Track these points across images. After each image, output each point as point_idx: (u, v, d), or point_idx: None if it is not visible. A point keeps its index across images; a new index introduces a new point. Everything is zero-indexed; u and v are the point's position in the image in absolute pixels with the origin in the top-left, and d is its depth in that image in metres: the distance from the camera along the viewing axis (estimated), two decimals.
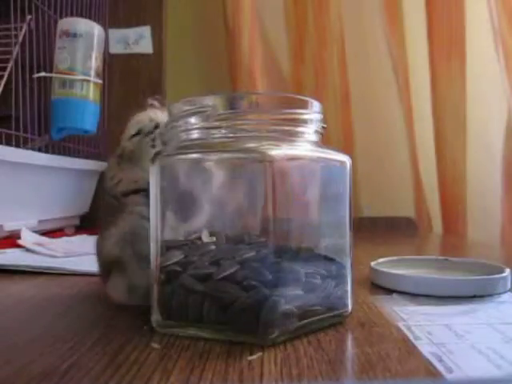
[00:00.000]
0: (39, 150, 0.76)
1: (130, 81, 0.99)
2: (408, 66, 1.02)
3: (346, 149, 0.99)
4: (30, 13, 0.75)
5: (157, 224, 0.30)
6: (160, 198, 0.30)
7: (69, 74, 0.76)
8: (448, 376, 0.22)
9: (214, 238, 0.32)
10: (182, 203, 0.32)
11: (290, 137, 0.30)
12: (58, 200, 0.82)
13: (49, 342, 0.28)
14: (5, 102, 0.70)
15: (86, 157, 0.90)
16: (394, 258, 0.47)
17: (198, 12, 1.07)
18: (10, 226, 0.67)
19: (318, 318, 0.29)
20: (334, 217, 0.32)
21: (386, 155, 1.03)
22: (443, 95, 1.00)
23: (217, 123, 0.29)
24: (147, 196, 0.31)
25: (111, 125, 0.97)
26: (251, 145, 0.28)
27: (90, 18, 0.86)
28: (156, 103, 0.40)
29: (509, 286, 0.40)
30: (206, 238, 0.32)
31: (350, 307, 0.32)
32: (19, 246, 0.64)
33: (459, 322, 0.31)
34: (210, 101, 0.29)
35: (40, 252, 0.60)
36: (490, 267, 0.43)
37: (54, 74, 0.77)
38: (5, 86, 0.68)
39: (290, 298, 0.28)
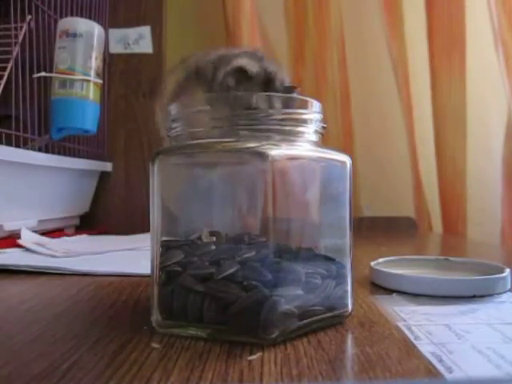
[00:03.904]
0: (39, 149, 0.76)
1: (130, 81, 0.99)
2: (408, 66, 1.02)
3: (346, 149, 0.99)
4: (30, 13, 0.75)
5: (157, 224, 0.30)
6: (160, 197, 0.30)
7: (69, 74, 0.76)
8: (448, 376, 0.22)
9: (214, 238, 0.32)
10: (182, 203, 0.32)
11: (290, 137, 0.30)
12: (58, 200, 0.82)
13: (49, 341, 0.28)
14: (5, 101, 0.70)
15: (86, 157, 0.90)
16: (394, 257, 0.47)
17: (197, 12, 1.07)
18: (9, 225, 0.67)
19: (317, 317, 0.29)
20: (334, 217, 0.32)
21: (386, 155, 1.03)
22: (443, 95, 1.00)
23: (217, 123, 0.29)
24: None
25: (111, 125, 0.97)
26: (251, 145, 0.28)
27: (90, 18, 0.86)
28: None
29: (509, 286, 0.40)
30: (206, 237, 0.32)
31: (350, 307, 0.32)
32: (19, 246, 0.64)
33: (459, 322, 0.31)
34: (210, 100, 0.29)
35: (40, 252, 0.60)
36: (489, 267, 0.43)
37: (54, 74, 0.77)
38: (5, 85, 0.68)
39: (290, 298, 0.28)
